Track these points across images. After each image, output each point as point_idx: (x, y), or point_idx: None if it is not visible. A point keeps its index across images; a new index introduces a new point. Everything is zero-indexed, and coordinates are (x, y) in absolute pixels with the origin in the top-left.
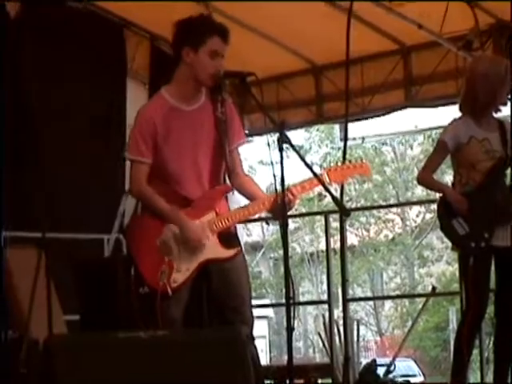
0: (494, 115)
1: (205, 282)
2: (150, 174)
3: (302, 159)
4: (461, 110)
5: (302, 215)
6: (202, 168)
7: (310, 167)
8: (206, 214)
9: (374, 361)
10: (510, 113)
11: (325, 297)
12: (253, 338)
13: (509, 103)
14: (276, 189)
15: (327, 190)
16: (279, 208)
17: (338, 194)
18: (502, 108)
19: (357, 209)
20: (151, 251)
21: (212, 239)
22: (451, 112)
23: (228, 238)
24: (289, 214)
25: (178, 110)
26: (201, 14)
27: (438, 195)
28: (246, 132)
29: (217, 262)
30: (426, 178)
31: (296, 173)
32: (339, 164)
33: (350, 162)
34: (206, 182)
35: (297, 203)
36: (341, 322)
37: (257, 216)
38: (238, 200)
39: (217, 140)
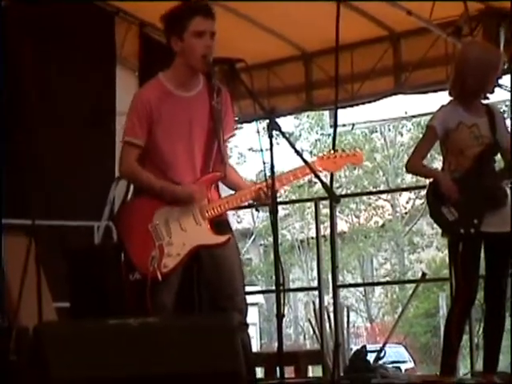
0: (483, 101)
1: (196, 268)
2: (143, 159)
3: (292, 146)
4: (450, 94)
5: (292, 202)
6: (195, 155)
7: (299, 154)
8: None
9: (364, 347)
10: (510, 98)
11: (315, 283)
12: (246, 325)
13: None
14: (266, 176)
15: (317, 176)
16: (268, 194)
17: (327, 181)
18: (489, 96)
19: (347, 195)
20: (141, 237)
21: (204, 225)
22: (441, 98)
23: (219, 224)
24: (279, 200)
25: (175, 96)
26: (181, 2)
27: (427, 181)
28: (236, 119)
29: (208, 248)
30: (415, 165)
31: (286, 160)
32: (331, 152)
33: (343, 150)
34: (198, 170)
35: (286, 190)
36: (331, 308)
37: (247, 203)
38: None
39: (210, 128)
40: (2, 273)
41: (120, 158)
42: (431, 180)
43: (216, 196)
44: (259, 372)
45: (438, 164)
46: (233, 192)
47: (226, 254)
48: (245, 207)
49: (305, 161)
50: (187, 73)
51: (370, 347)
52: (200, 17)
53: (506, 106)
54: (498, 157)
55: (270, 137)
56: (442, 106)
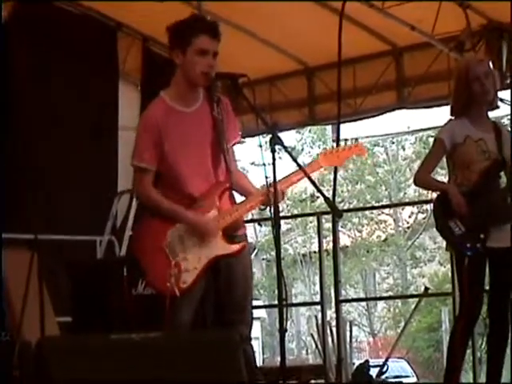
0: (490, 117)
1: (213, 279)
2: (156, 176)
3: (295, 160)
4: (452, 113)
5: (294, 216)
6: (205, 167)
7: (302, 168)
8: (209, 212)
9: (367, 362)
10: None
11: (317, 298)
12: (250, 339)
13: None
14: (268, 187)
15: (319, 190)
16: (272, 206)
17: (330, 195)
18: (495, 109)
19: (349, 210)
20: (157, 256)
21: (217, 236)
22: (443, 113)
23: (233, 233)
24: (281, 215)
25: (179, 112)
26: (190, 15)
27: (431, 195)
28: (239, 133)
29: (225, 257)
30: (423, 178)
31: (288, 173)
32: (334, 147)
33: (345, 144)
34: (209, 180)
35: (288, 204)
36: (334, 323)
37: (249, 217)
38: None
39: (215, 139)
40: (2, 287)
41: (134, 184)
42: (438, 193)
43: (227, 205)
44: None
45: (439, 179)
46: (243, 198)
47: (241, 262)
48: (247, 221)
49: (307, 175)
50: (187, 87)
51: (372, 362)
52: (206, 36)
53: (508, 119)
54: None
55: (273, 151)
56: (450, 120)
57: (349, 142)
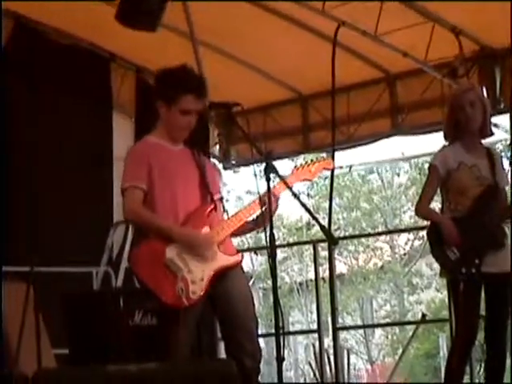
0: (482, 142)
1: (210, 308)
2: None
3: (289, 188)
4: (445, 138)
5: (290, 245)
6: (196, 200)
7: (297, 196)
8: (201, 229)
9: None
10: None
11: (315, 326)
12: (258, 371)
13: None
14: (260, 200)
15: (315, 218)
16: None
17: (325, 223)
18: (491, 133)
19: (345, 237)
20: (160, 274)
21: (215, 250)
22: (438, 139)
23: (227, 246)
24: (277, 243)
25: (166, 148)
26: (179, 67)
27: (427, 222)
28: (233, 162)
29: (227, 269)
30: (423, 209)
31: (283, 202)
32: (302, 163)
33: (311, 160)
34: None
35: (284, 233)
36: (331, 350)
37: (246, 246)
38: None
39: (201, 181)
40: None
41: (124, 203)
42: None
43: (217, 221)
44: None
45: (434, 204)
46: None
47: (239, 289)
48: (243, 250)
49: (302, 203)
50: (169, 136)
51: None
52: (192, 96)
53: (502, 145)
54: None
55: (268, 180)
56: (444, 146)
57: (344, 169)
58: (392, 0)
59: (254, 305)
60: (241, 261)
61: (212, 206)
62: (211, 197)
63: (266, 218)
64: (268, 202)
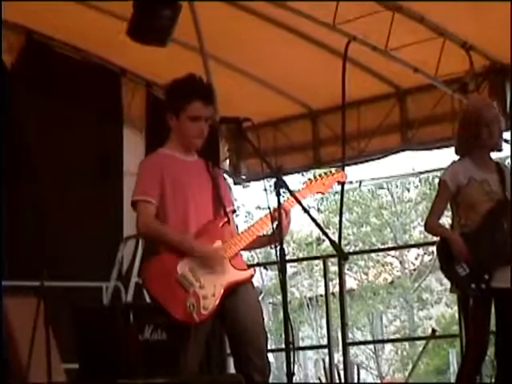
0: (492, 157)
1: (218, 324)
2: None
3: (300, 203)
4: (456, 152)
5: (300, 260)
6: (208, 212)
7: (307, 211)
8: (213, 244)
9: None
10: (510, 153)
11: (325, 341)
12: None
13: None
14: (272, 215)
15: (325, 234)
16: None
17: (336, 238)
18: (501, 148)
19: (355, 252)
20: (172, 289)
21: (227, 264)
22: (448, 154)
23: (238, 261)
24: (287, 258)
25: (179, 159)
26: (187, 76)
27: (436, 237)
28: (243, 177)
29: (239, 284)
30: (432, 225)
31: (293, 217)
32: (315, 177)
33: (324, 173)
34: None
35: (294, 247)
36: (341, 366)
37: (255, 261)
38: None
39: (214, 193)
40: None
41: (137, 217)
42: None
43: (229, 236)
44: None
45: (445, 219)
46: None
47: (249, 303)
48: (253, 265)
49: (312, 218)
50: (183, 147)
51: None
52: (199, 102)
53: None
54: None
55: (278, 195)
56: (453, 162)
57: (354, 185)
58: None
59: (263, 320)
60: (252, 276)
61: (225, 220)
62: (224, 209)
63: (278, 233)
64: (278, 216)
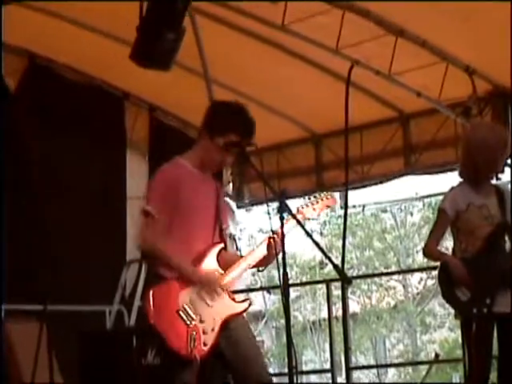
0: (492, 182)
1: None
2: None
3: (302, 227)
4: (461, 176)
5: (303, 284)
6: (210, 230)
7: (310, 235)
8: (210, 269)
9: None
10: (510, 178)
11: (328, 365)
12: None
13: (508, 169)
14: (271, 236)
15: (328, 258)
16: (274, 250)
17: (339, 262)
18: (500, 176)
19: (358, 276)
20: (173, 321)
21: (225, 296)
22: (451, 179)
23: (234, 291)
24: (290, 282)
25: (196, 177)
26: (239, 105)
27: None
28: (246, 201)
29: (234, 317)
30: (431, 251)
31: (296, 241)
32: (307, 201)
33: (314, 197)
34: (210, 241)
35: (297, 271)
36: None
37: (258, 285)
38: None
39: (217, 209)
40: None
41: (143, 231)
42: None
43: (224, 263)
44: None
45: (448, 243)
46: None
47: (243, 333)
48: (256, 289)
49: (315, 242)
50: (201, 165)
51: None
52: (239, 137)
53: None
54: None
55: (281, 219)
56: (452, 188)
57: (357, 209)
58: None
59: (255, 339)
60: (248, 307)
61: (222, 246)
62: (221, 233)
63: (271, 258)
64: (282, 238)
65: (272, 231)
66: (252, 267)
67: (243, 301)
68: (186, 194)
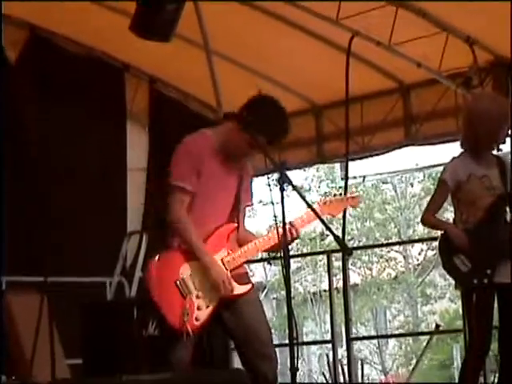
0: (493, 152)
1: (218, 322)
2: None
3: (303, 199)
4: (462, 146)
5: (304, 255)
6: (227, 210)
7: (310, 206)
8: (219, 252)
9: None
10: (510, 149)
11: (328, 336)
12: (275, 379)
13: (508, 139)
14: (277, 227)
15: (329, 229)
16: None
17: (339, 233)
18: (501, 147)
19: (359, 247)
20: (170, 292)
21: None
22: (451, 149)
23: (240, 274)
24: (291, 253)
25: (219, 154)
26: (281, 109)
27: (439, 232)
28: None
29: (235, 298)
30: (428, 220)
31: (296, 212)
32: (330, 197)
33: (340, 194)
34: (225, 221)
35: (298, 243)
36: (345, 361)
37: (259, 256)
38: None
39: (237, 190)
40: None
41: (170, 203)
42: (442, 232)
43: (234, 246)
44: None
45: (449, 215)
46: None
47: (250, 303)
48: (257, 261)
49: (316, 213)
50: (224, 145)
51: None
52: (267, 141)
53: None
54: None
55: (281, 190)
56: (453, 159)
57: (357, 180)
58: None
59: (270, 331)
60: (251, 289)
61: (235, 226)
62: (238, 213)
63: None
64: (282, 211)
65: (289, 222)
66: (263, 251)
67: (246, 283)
68: (208, 167)
